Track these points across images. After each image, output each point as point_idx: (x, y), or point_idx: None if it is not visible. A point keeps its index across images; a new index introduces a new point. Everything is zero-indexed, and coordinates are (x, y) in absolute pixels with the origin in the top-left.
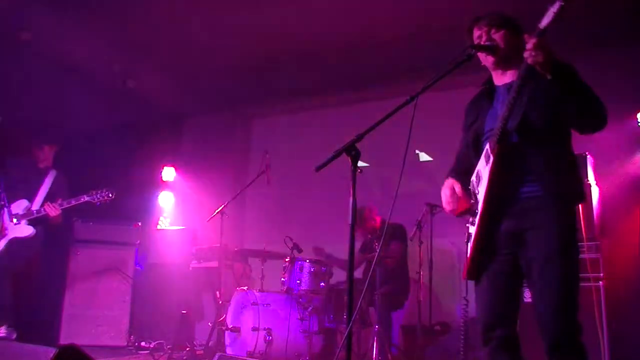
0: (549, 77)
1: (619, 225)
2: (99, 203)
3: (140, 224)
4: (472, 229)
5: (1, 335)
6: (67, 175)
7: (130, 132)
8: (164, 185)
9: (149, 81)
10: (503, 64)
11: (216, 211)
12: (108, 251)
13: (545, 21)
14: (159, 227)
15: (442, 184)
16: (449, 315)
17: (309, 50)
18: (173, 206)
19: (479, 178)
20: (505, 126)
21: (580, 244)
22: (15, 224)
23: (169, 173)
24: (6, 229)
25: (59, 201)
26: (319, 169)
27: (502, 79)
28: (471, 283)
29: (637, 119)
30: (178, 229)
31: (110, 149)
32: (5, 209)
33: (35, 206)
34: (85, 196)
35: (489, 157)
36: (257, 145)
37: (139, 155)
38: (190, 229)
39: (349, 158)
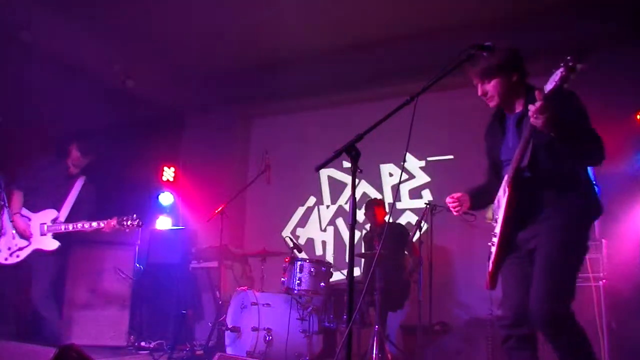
0: (552, 134)
1: (619, 225)
2: (127, 230)
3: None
4: (493, 249)
5: None
6: (95, 182)
7: (130, 132)
8: (164, 185)
9: (149, 81)
10: (505, 104)
11: (216, 211)
12: (108, 251)
13: (549, 86)
14: (158, 227)
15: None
16: (449, 315)
17: (309, 50)
18: (173, 206)
19: (499, 204)
20: (518, 166)
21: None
22: (42, 235)
23: (169, 173)
24: (31, 235)
25: (94, 223)
26: (319, 168)
27: (510, 109)
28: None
29: (637, 119)
30: (178, 229)
31: (110, 148)
32: (6, 209)
33: (63, 217)
34: (115, 222)
35: (505, 189)
36: (257, 145)
37: (139, 155)
38: (190, 229)
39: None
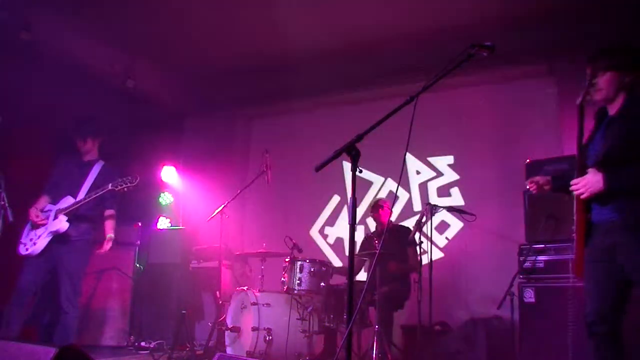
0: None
1: None
2: (119, 189)
3: (140, 224)
4: (574, 241)
5: None
6: (113, 165)
7: (131, 132)
8: (164, 185)
9: (150, 81)
10: (607, 101)
11: (216, 211)
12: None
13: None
14: (159, 227)
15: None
16: (449, 315)
17: (309, 51)
18: (173, 206)
19: None
20: (583, 162)
21: None
22: (55, 220)
23: (169, 173)
24: (46, 223)
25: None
26: (318, 169)
27: (610, 108)
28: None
29: None
30: (178, 229)
31: (110, 148)
32: (8, 209)
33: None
34: (110, 185)
35: None
36: (257, 145)
37: (139, 155)
38: (190, 229)
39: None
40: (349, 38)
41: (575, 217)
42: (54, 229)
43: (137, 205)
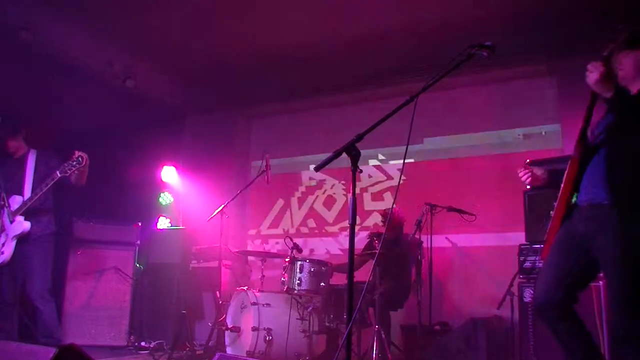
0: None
1: None
2: (69, 173)
3: (140, 224)
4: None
5: None
6: (52, 150)
7: (131, 132)
8: (164, 185)
9: (149, 81)
10: (629, 81)
11: (216, 211)
12: (108, 251)
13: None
14: (159, 227)
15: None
16: (449, 315)
17: (310, 50)
18: (173, 206)
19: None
20: (584, 134)
21: None
22: (12, 223)
23: (169, 173)
24: (3, 227)
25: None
26: (318, 168)
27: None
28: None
29: None
30: (178, 229)
31: (110, 148)
32: (6, 209)
33: (27, 196)
34: (57, 172)
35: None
36: (257, 145)
37: (139, 155)
38: (190, 229)
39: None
40: (349, 38)
41: (558, 198)
42: (17, 232)
43: (137, 205)
